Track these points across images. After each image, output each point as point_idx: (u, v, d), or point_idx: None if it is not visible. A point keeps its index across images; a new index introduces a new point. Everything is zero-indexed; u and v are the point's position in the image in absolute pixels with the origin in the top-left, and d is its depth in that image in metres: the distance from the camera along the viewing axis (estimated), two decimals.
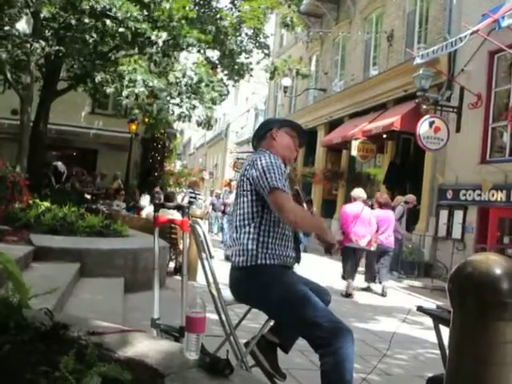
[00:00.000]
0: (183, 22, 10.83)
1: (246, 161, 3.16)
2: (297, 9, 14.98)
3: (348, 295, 8.29)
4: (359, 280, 9.10)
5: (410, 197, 11.79)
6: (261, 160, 2.90)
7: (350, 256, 8.46)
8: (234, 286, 3.02)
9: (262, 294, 2.88)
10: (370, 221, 8.49)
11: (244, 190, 2.95)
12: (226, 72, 14.15)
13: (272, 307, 2.92)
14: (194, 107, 12.11)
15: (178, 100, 11.95)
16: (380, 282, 9.01)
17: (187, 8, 11.05)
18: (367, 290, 9.17)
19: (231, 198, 12.01)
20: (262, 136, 3.21)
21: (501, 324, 1.83)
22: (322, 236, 3.03)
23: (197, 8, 13.57)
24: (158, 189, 17.00)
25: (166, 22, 10.70)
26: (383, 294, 8.83)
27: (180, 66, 11.99)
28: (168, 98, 11.24)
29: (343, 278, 8.59)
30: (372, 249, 8.57)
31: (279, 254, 2.91)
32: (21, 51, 11.34)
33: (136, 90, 10.53)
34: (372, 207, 9.32)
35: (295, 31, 14.16)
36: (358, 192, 8.72)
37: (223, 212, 12.83)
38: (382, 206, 9.24)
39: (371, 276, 9.15)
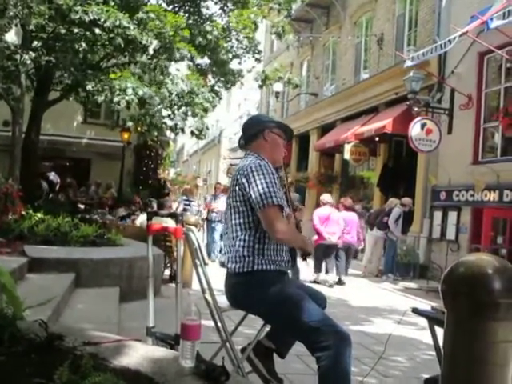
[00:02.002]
0: (175, 37, 10.87)
1: (237, 166, 3.11)
2: (286, 14, 15.03)
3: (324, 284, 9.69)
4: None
5: (407, 200, 11.83)
6: (252, 171, 2.86)
7: (322, 252, 9.84)
8: (231, 292, 3.02)
9: (258, 300, 2.88)
10: (338, 221, 10.02)
11: (238, 201, 2.92)
12: (217, 79, 14.18)
13: (269, 312, 2.92)
14: (186, 117, 12.13)
15: (169, 111, 11.97)
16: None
17: (181, 24, 11.10)
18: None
19: (217, 203, 11.83)
20: (252, 135, 3.12)
21: (494, 324, 1.84)
22: (305, 249, 3.12)
23: (187, 15, 13.62)
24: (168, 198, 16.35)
25: (157, 31, 10.74)
26: (340, 283, 10.13)
27: (171, 77, 12.01)
28: (160, 106, 11.22)
29: (315, 271, 9.97)
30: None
31: (275, 260, 2.92)
32: (11, 62, 11.33)
33: (126, 97, 10.53)
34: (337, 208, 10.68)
35: (287, 39, 14.15)
36: (326, 197, 10.37)
37: (207, 219, 12.17)
38: (347, 208, 10.66)
39: (340, 268, 10.38)
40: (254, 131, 3.12)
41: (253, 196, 2.82)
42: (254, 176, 2.84)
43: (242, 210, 2.91)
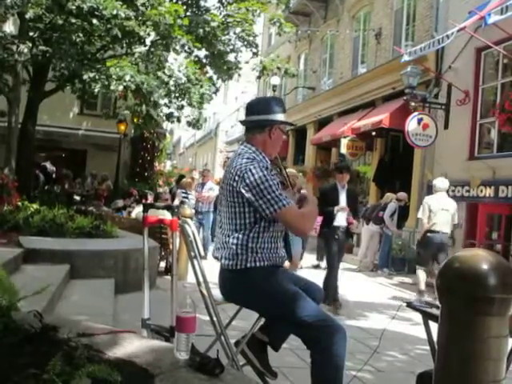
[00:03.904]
0: (174, 25, 10.82)
1: (232, 158, 3.01)
2: (285, 7, 14.97)
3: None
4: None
5: (402, 194, 11.85)
6: (253, 174, 2.77)
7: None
8: (225, 287, 3.02)
9: (252, 295, 2.89)
10: None
11: (235, 202, 2.85)
12: (214, 71, 14.13)
13: (262, 307, 2.93)
14: (182, 107, 12.08)
15: (166, 100, 11.92)
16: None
17: (180, 13, 11.05)
18: (317, 267, 11.24)
19: (204, 192, 11.73)
20: (259, 126, 2.98)
21: (487, 319, 1.85)
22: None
23: (185, 7, 13.55)
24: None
25: (155, 21, 10.68)
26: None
27: (168, 66, 11.96)
28: (156, 93, 11.15)
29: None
30: None
31: (269, 256, 2.91)
32: (7, 53, 11.27)
33: (124, 83, 10.48)
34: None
35: (285, 31, 14.06)
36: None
37: (196, 211, 11.91)
38: None
39: (321, 256, 11.07)
40: (262, 122, 2.99)
41: (259, 202, 2.76)
42: (255, 181, 2.76)
43: (239, 210, 2.87)
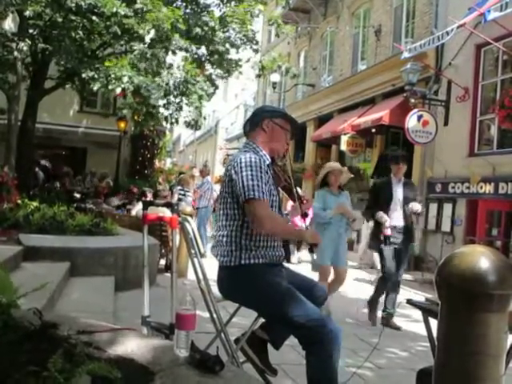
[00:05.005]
0: (172, 30, 10.83)
1: (232, 156, 3.11)
2: (285, 3, 14.94)
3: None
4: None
5: None
6: (241, 162, 2.83)
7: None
8: (221, 285, 3.03)
9: (246, 292, 2.89)
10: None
11: (226, 192, 2.92)
12: (214, 69, 14.10)
13: (257, 305, 2.93)
14: (181, 108, 12.08)
15: (164, 101, 11.92)
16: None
17: (179, 17, 11.04)
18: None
19: (200, 189, 11.79)
20: (254, 124, 3.09)
21: (487, 315, 1.85)
22: (304, 239, 3.07)
23: (184, 4, 13.53)
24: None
25: (154, 25, 10.67)
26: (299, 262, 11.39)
27: (167, 64, 11.95)
28: (156, 94, 11.15)
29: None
30: None
31: (264, 254, 2.90)
32: (7, 50, 11.27)
33: (122, 85, 10.48)
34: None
35: (283, 32, 14.01)
36: None
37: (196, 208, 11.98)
38: None
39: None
40: (256, 119, 3.10)
41: (237, 188, 2.81)
42: (241, 168, 2.82)
43: (229, 201, 2.91)
